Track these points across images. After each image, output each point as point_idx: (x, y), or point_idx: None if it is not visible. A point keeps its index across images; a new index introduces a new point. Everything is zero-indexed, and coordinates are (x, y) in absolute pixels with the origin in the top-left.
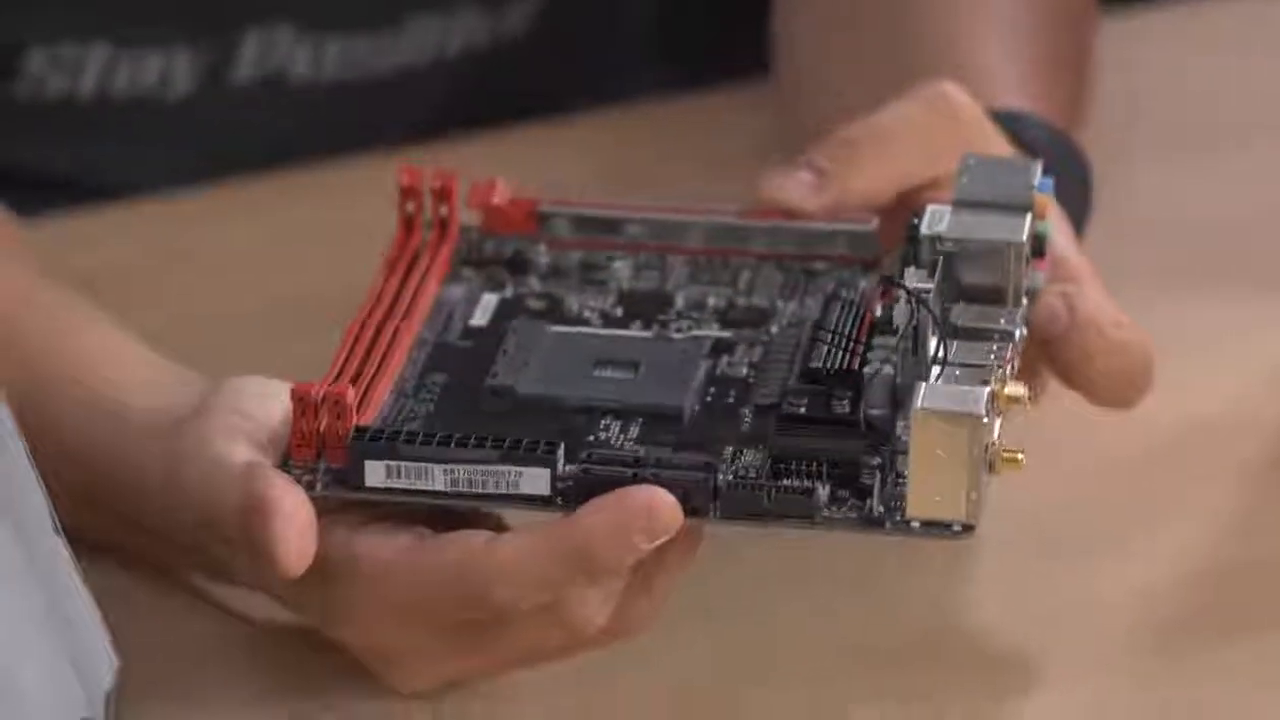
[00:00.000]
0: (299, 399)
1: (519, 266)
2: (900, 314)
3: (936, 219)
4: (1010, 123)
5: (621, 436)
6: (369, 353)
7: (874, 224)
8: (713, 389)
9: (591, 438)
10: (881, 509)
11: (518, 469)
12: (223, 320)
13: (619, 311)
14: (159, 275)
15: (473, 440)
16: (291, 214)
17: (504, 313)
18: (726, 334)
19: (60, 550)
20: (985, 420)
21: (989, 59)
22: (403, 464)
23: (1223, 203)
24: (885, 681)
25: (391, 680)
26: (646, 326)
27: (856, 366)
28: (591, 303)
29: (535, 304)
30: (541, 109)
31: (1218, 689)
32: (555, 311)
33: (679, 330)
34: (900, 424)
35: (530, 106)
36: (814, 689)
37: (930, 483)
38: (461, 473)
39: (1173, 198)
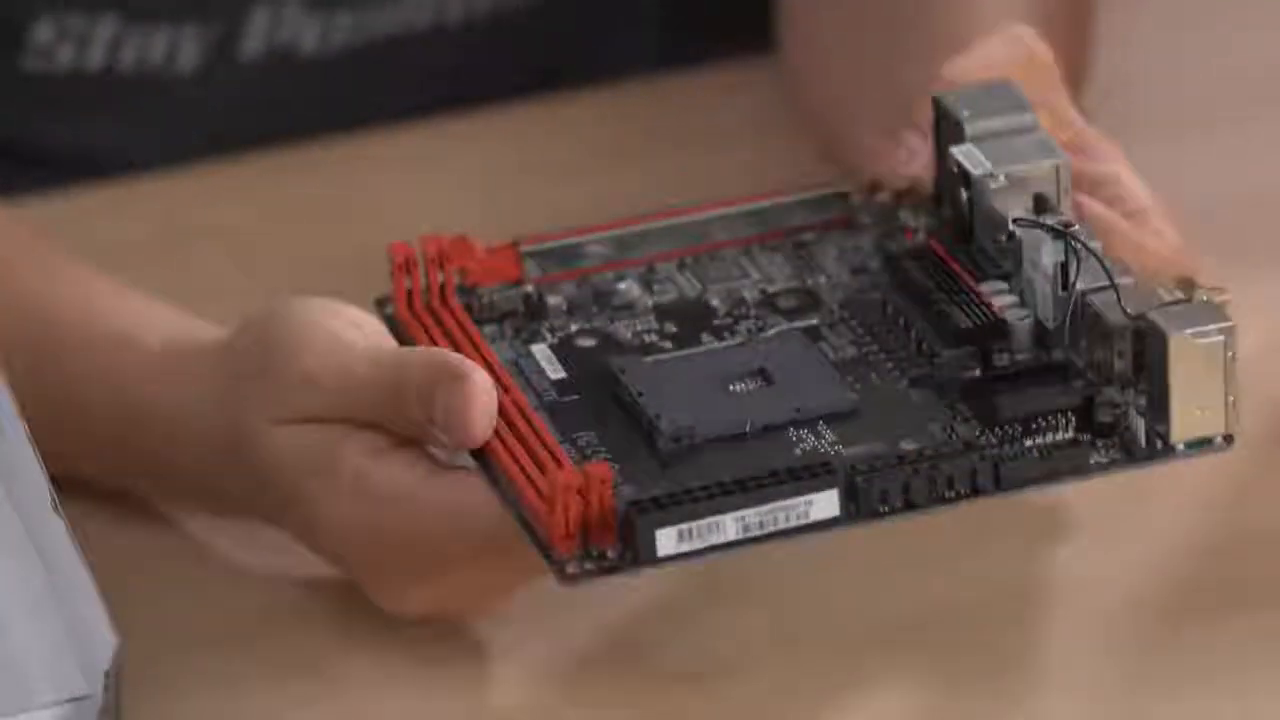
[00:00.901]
0: (560, 490)
1: (536, 312)
2: (1049, 252)
3: (974, 160)
4: None
5: (820, 442)
6: (515, 430)
7: (838, 184)
8: (849, 377)
9: (798, 451)
10: (1144, 442)
11: (808, 498)
12: (230, 296)
13: (673, 328)
14: (164, 252)
15: (754, 481)
16: (296, 190)
17: (568, 360)
18: (809, 322)
19: (60, 530)
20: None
21: (985, 16)
22: (694, 524)
23: (1220, 180)
24: (882, 669)
25: (382, 599)
26: (719, 336)
27: (1000, 317)
28: (639, 327)
29: (585, 342)
30: (541, 83)
31: (1213, 663)
32: (612, 345)
33: (757, 330)
34: (1088, 357)
35: (530, 80)
36: (813, 678)
37: (1192, 403)
38: (752, 517)
39: (1169, 176)
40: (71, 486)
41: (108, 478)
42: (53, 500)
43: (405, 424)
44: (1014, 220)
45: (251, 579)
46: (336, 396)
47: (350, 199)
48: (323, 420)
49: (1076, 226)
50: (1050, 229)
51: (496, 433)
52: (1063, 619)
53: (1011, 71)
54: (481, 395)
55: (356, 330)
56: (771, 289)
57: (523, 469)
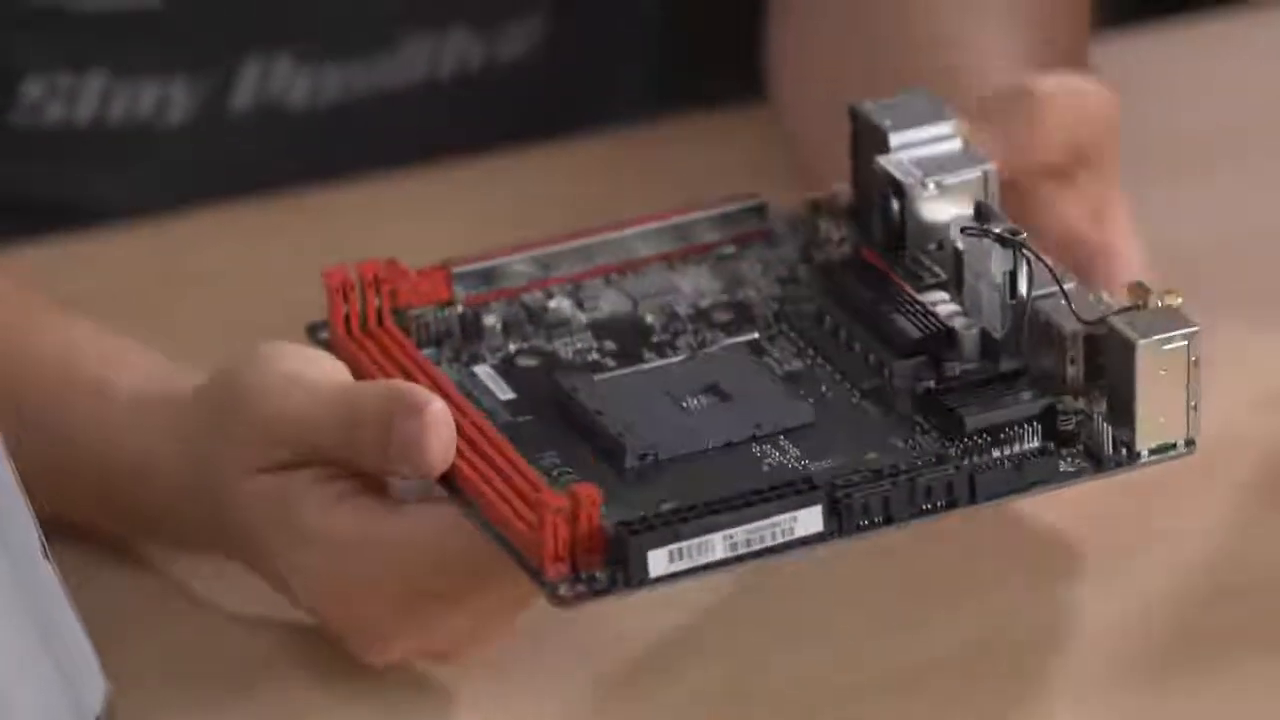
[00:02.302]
0: (548, 514)
1: (471, 333)
2: (998, 261)
3: (904, 169)
4: None
5: (785, 458)
6: (482, 454)
7: (762, 197)
8: (800, 390)
9: (765, 468)
10: (1110, 450)
11: (793, 514)
12: (216, 342)
13: (612, 345)
14: (150, 299)
15: (740, 499)
16: (285, 238)
17: (513, 380)
18: (750, 336)
19: (50, 575)
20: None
21: (987, 53)
22: (684, 545)
23: (1209, 224)
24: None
25: (364, 652)
26: (661, 353)
27: (948, 326)
28: (578, 345)
29: (527, 361)
30: (535, 135)
31: (1206, 712)
32: (554, 363)
33: (698, 345)
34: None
35: (523, 132)
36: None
37: (1157, 410)
38: (740, 535)
39: (1159, 219)
40: (61, 531)
41: (97, 526)
42: (42, 545)
43: (367, 458)
44: (963, 229)
45: (245, 623)
46: (299, 437)
47: (339, 246)
48: (287, 466)
49: (1024, 234)
50: (999, 237)
51: (464, 458)
52: (1054, 667)
53: (1086, 107)
54: (439, 424)
55: (317, 368)
56: (703, 303)
57: (499, 494)
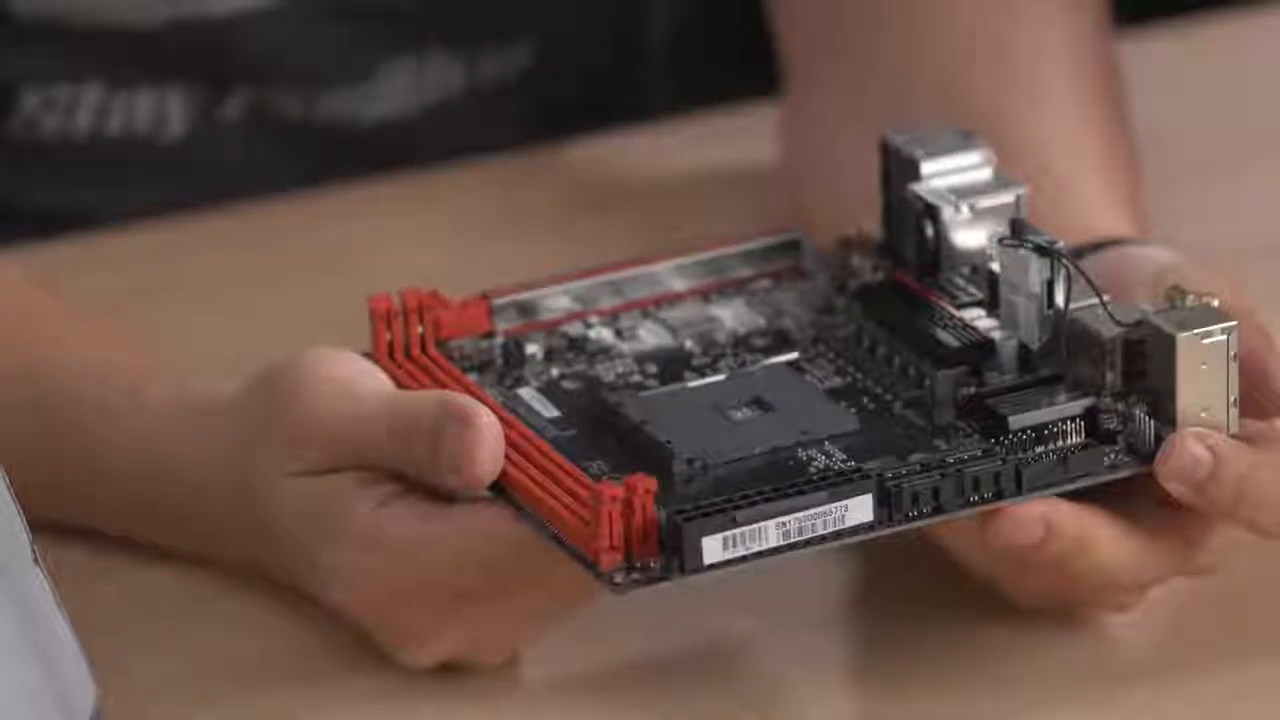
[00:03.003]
0: (604, 503)
1: (514, 361)
2: (1036, 271)
3: (938, 194)
4: None
5: (831, 461)
6: (530, 459)
7: (796, 232)
8: (843, 402)
9: (812, 470)
10: (1153, 445)
11: (844, 503)
12: (204, 347)
13: (654, 369)
14: (146, 303)
15: (792, 487)
16: (282, 243)
17: (557, 400)
18: (789, 356)
19: (40, 581)
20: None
21: (1078, 168)
22: (739, 532)
23: (1242, 225)
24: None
25: (401, 652)
26: (703, 374)
27: (987, 337)
28: (620, 369)
29: (571, 385)
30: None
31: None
32: (598, 386)
33: (738, 366)
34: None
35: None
36: None
37: (1197, 403)
38: (793, 523)
39: (1192, 220)
40: (50, 537)
41: (138, 535)
42: (32, 551)
43: (415, 466)
44: (1000, 240)
45: (238, 629)
46: (345, 443)
47: (330, 252)
48: (333, 469)
49: (1060, 243)
50: (1037, 247)
51: (513, 462)
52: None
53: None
54: (489, 435)
55: (365, 376)
56: (741, 331)
57: (550, 493)
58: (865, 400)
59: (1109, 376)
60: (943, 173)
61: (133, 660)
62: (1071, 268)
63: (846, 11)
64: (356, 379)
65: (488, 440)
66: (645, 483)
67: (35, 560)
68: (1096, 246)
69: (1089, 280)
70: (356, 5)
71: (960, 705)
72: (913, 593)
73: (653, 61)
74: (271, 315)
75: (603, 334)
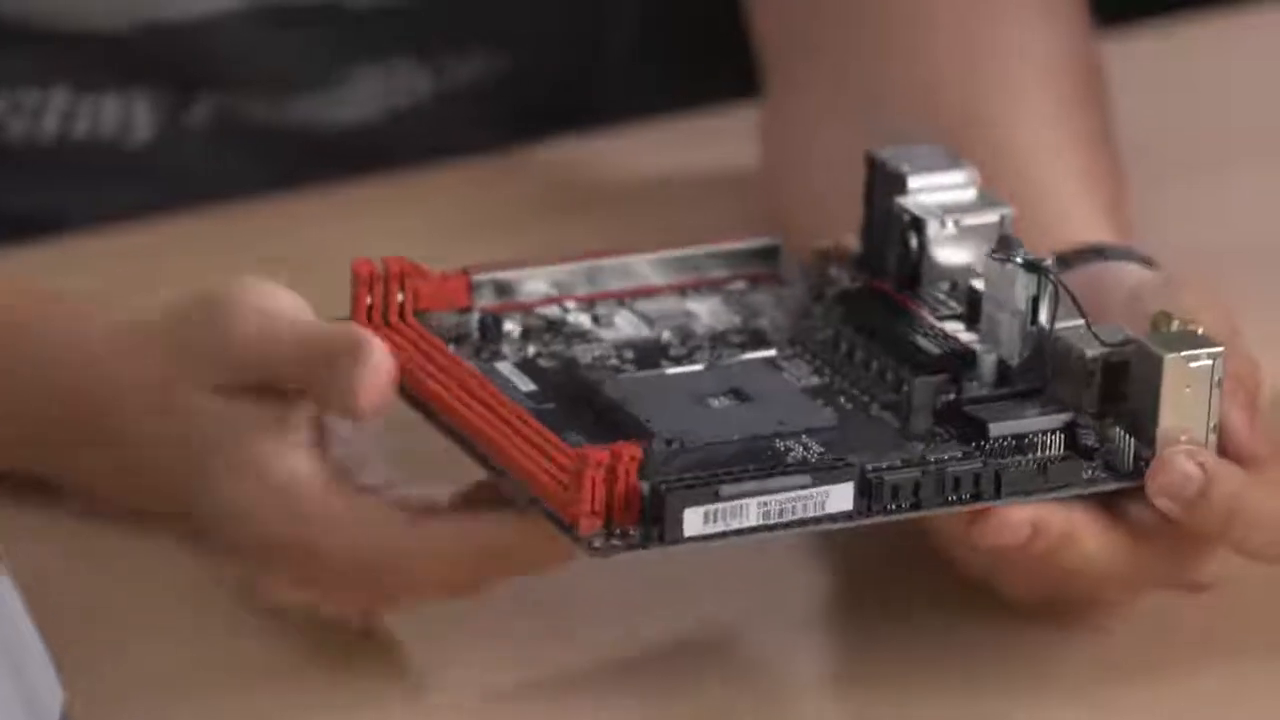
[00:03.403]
0: (589, 468)
1: (491, 336)
2: (1022, 286)
3: (925, 208)
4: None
5: (809, 453)
6: (509, 424)
7: (775, 239)
8: (819, 400)
9: (791, 459)
10: (1130, 465)
11: (826, 489)
12: None
13: (631, 355)
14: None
15: (781, 467)
16: (256, 245)
17: (535, 376)
18: (767, 353)
19: (5, 584)
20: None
21: (1056, 173)
22: (721, 506)
23: (1225, 226)
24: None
25: (268, 591)
26: (680, 364)
27: (968, 347)
28: (597, 353)
29: (547, 364)
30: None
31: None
32: (575, 367)
33: (715, 360)
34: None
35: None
36: None
37: (1178, 426)
38: (774, 504)
39: (1176, 220)
40: (19, 540)
41: (66, 465)
42: None
43: (314, 394)
44: (989, 254)
45: (204, 630)
46: (261, 362)
47: (302, 254)
48: (247, 388)
49: (1049, 260)
50: (1025, 263)
51: (489, 425)
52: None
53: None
54: (376, 370)
55: (290, 304)
56: (718, 327)
57: (528, 456)
58: (842, 400)
59: (1088, 396)
60: (928, 189)
61: (100, 663)
62: (1059, 286)
63: (824, 11)
64: (281, 305)
65: (374, 375)
66: (630, 450)
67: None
68: (1079, 253)
69: (1074, 300)
70: (324, 11)
71: (953, 703)
72: (904, 591)
73: (619, 65)
74: None
75: (580, 319)
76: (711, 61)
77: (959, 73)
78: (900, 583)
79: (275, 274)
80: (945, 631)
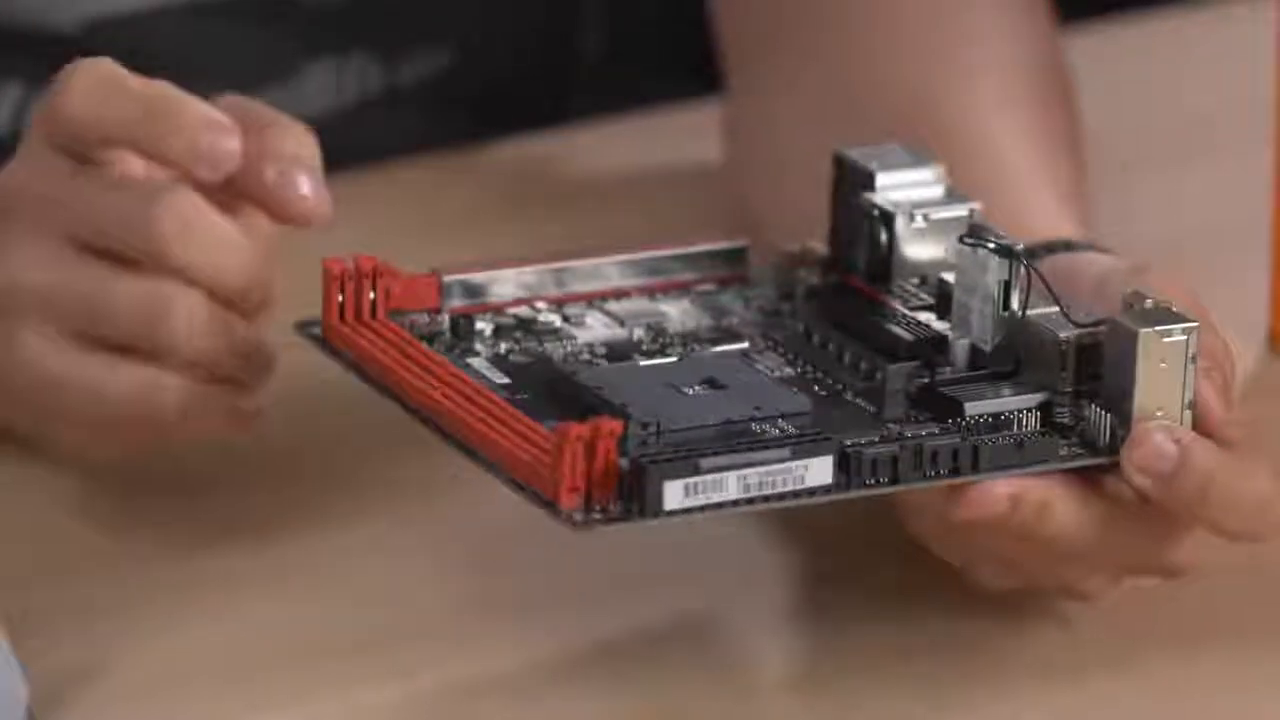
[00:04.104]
0: (568, 442)
1: (463, 334)
2: (994, 271)
3: (894, 203)
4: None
5: (785, 436)
6: (484, 409)
7: (743, 241)
8: (793, 389)
9: (769, 439)
10: (1106, 440)
11: (805, 463)
12: None
13: (604, 350)
14: None
15: (757, 442)
16: None
17: (508, 370)
18: (739, 346)
19: None
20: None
21: (1020, 169)
22: (701, 479)
23: (1186, 216)
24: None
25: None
26: (653, 358)
27: (939, 334)
28: (568, 349)
29: (520, 359)
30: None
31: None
32: (547, 362)
33: (689, 354)
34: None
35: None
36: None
37: (1153, 401)
38: (753, 477)
39: (1117, 218)
40: None
41: None
42: None
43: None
44: (960, 239)
45: (171, 628)
46: (103, 120)
47: None
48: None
49: (1021, 245)
50: (998, 248)
51: (466, 410)
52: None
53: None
54: (217, 118)
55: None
56: (689, 325)
57: (505, 437)
58: (816, 389)
59: (1063, 378)
60: (897, 185)
61: (67, 663)
62: (1031, 271)
63: (787, 8)
64: (123, 71)
65: (217, 119)
66: (610, 425)
67: None
68: (1046, 247)
69: (1046, 283)
70: (276, 6)
71: (920, 695)
72: (874, 583)
73: (587, 64)
74: None
75: (551, 318)
76: (679, 64)
77: (925, 69)
78: (869, 574)
79: None
80: (914, 623)
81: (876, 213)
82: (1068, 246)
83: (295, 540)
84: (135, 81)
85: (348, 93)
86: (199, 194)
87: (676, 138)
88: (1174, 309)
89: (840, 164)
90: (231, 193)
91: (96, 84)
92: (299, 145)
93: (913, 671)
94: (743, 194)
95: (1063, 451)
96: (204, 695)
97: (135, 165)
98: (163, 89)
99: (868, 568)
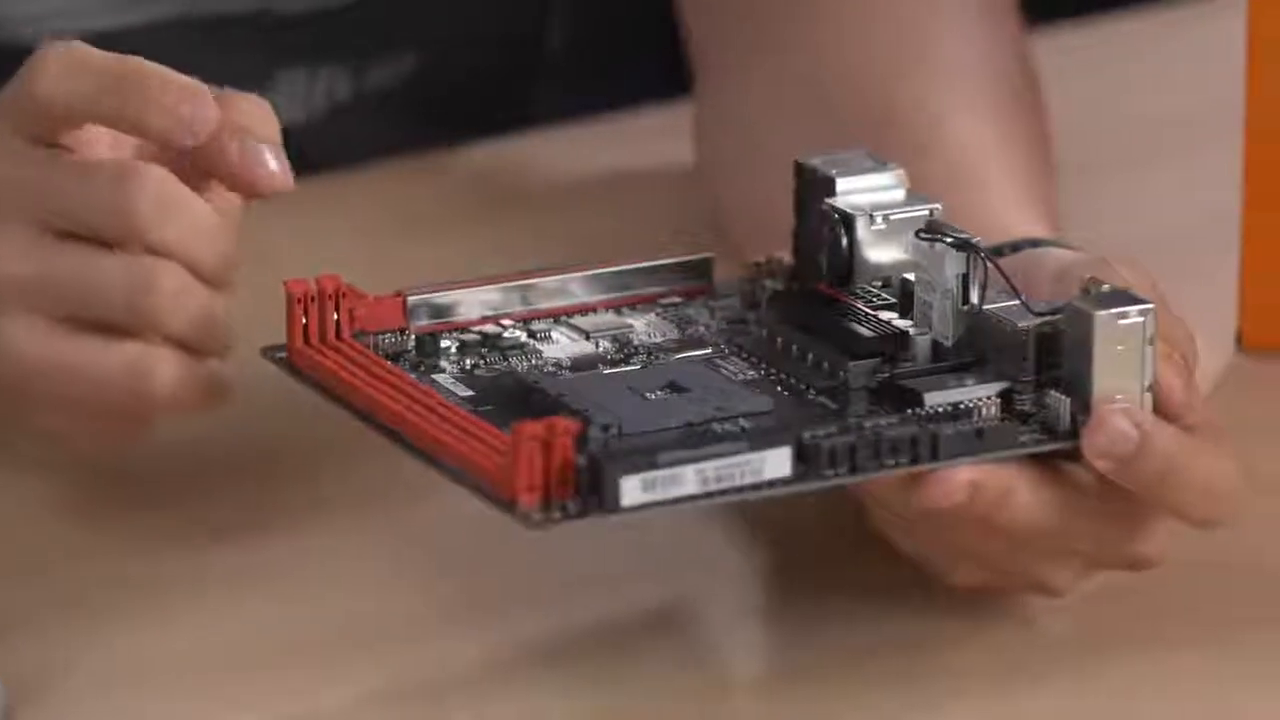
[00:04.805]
0: (524, 441)
1: (429, 352)
2: (951, 265)
3: (855, 206)
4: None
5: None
6: (443, 417)
7: (708, 253)
8: (756, 390)
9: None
10: (1067, 425)
11: (762, 454)
12: None
13: (568, 363)
14: None
15: (713, 435)
16: None
17: (473, 384)
18: (704, 352)
19: None
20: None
21: (990, 167)
22: (658, 474)
23: (1156, 215)
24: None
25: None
26: (617, 367)
27: (900, 330)
28: (533, 363)
29: (485, 374)
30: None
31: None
32: (512, 377)
33: (657, 359)
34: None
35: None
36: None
37: (1112, 385)
38: (711, 470)
39: (1085, 218)
40: None
41: None
42: None
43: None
44: (917, 234)
45: (142, 627)
46: (66, 93)
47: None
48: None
49: (979, 239)
50: (955, 242)
51: (424, 419)
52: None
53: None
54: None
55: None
56: (654, 338)
57: (465, 443)
58: (779, 389)
59: (1024, 368)
60: (857, 190)
61: (42, 660)
62: (988, 263)
63: (757, 8)
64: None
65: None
66: (565, 423)
67: None
68: (1014, 246)
69: (1004, 275)
70: (254, 19)
71: (886, 693)
72: (841, 583)
73: (553, 64)
74: None
75: (517, 334)
76: (646, 67)
77: (897, 67)
78: (835, 573)
79: None
80: (880, 621)
81: (837, 216)
82: (1034, 246)
83: (260, 543)
84: (104, 57)
85: (318, 101)
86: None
87: (647, 139)
88: (1131, 291)
89: (801, 172)
90: (197, 170)
91: (66, 64)
92: (257, 118)
93: (879, 669)
94: (719, 200)
95: (1023, 438)
96: (174, 693)
97: (101, 147)
98: (134, 62)
99: (833, 566)
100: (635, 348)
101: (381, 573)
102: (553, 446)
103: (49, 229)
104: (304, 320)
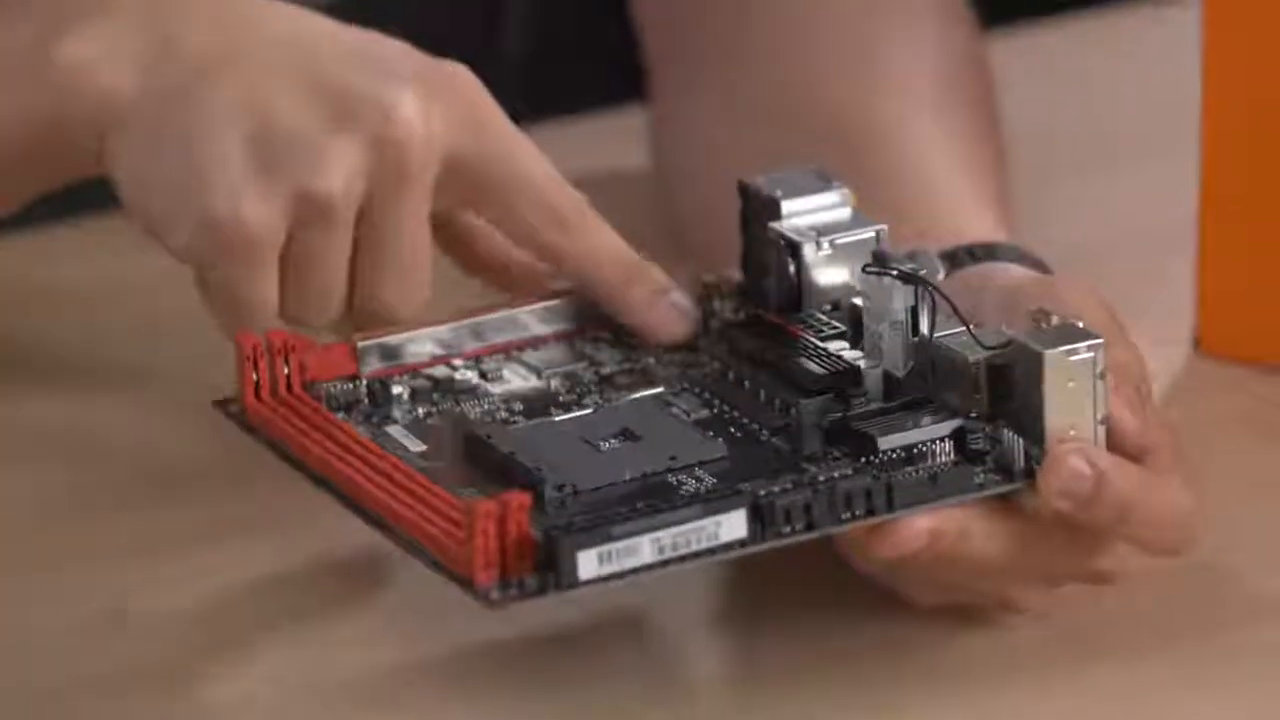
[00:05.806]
0: (479, 518)
1: (380, 400)
2: (900, 298)
3: (799, 231)
4: (986, 257)
5: (701, 486)
6: (399, 485)
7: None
8: (710, 432)
9: (684, 493)
10: (1021, 464)
11: (717, 519)
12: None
13: (520, 406)
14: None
15: (666, 504)
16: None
17: (425, 437)
18: (655, 391)
19: None
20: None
21: (945, 169)
22: (614, 547)
23: (1111, 220)
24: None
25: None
26: (569, 410)
27: (852, 364)
28: (486, 407)
29: (437, 423)
30: None
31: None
32: (465, 424)
33: (605, 402)
34: (941, 400)
35: None
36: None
37: (1065, 421)
38: (667, 539)
39: (1045, 220)
40: None
41: None
42: None
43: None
44: (864, 269)
45: (122, 627)
46: None
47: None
48: None
49: (925, 271)
50: (902, 275)
51: (381, 489)
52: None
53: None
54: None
55: None
56: (605, 370)
57: (421, 515)
58: (732, 430)
59: (976, 400)
60: (802, 212)
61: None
62: (936, 295)
63: (712, 15)
64: None
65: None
66: (519, 498)
67: None
68: (969, 252)
69: (954, 307)
70: None
71: (854, 696)
72: (810, 586)
73: (511, 65)
74: (118, 329)
75: (468, 375)
76: (605, 68)
77: (849, 71)
78: (803, 576)
79: (174, 284)
80: (848, 626)
81: (783, 242)
82: (990, 252)
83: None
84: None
85: None
86: None
87: (606, 142)
88: (1080, 325)
89: (746, 192)
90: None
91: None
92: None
93: (857, 671)
94: (674, 204)
95: (978, 479)
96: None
97: None
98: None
99: (802, 570)
100: (587, 385)
101: (335, 573)
102: (507, 523)
103: None
104: (254, 376)
